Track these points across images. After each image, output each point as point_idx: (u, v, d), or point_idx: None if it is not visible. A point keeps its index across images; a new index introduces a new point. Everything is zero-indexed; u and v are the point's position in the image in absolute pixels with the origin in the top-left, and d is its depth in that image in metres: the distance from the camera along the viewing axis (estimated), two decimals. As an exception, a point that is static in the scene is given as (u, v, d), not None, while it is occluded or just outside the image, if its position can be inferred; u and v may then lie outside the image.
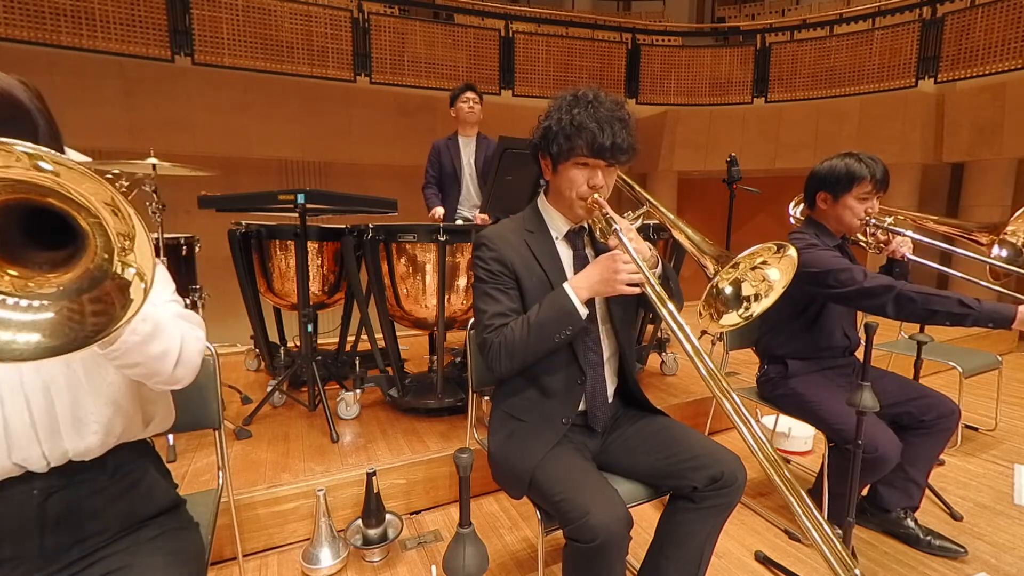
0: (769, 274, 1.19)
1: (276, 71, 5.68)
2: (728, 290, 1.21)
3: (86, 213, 0.56)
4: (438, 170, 3.20)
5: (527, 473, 1.15)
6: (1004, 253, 1.61)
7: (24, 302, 0.58)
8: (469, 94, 3.11)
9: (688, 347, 0.98)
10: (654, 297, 1.06)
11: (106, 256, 0.58)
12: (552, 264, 1.23)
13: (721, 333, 1.93)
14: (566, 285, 1.12)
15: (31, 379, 0.77)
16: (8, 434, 0.75)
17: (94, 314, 0.59)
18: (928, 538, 1.66)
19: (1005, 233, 1.61)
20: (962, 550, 1.64)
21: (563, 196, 1.22)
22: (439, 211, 3.06)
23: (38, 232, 0.60)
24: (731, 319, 1.20)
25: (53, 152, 0.53)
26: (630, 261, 1.08)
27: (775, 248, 1.17)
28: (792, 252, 1.17)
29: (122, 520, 0.86)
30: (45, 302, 0.59)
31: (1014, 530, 1.80)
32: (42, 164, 0.53)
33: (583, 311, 1.10)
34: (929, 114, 5.73)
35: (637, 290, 1.08)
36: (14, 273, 0.59)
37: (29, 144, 0.52)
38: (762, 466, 0.85)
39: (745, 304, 1.19)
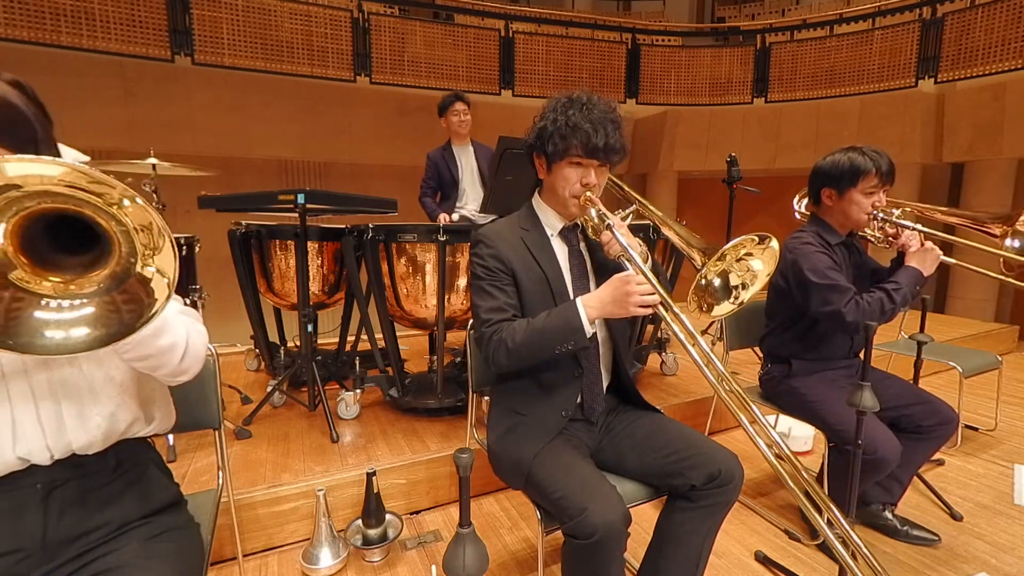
0: (753, 265, 1.23)
1: (276, 71, 5.67)
2: (717, 281, 1.26)
3: (116, 222, 0.61)
4: (436, 181, 3.15)
5: (528, 461, 1.16)
6: (1017, 244, 1.59)
7: (66, 303, 0.63)
8: (459, 106, 2.94)
9: (708, 372, 0.99)
10: (667, 316, 1.05)
11: (132, 260, 0.63)
12: (548, 261, 1.25)
13: (721, 331, 1.94)
14: (579, 301, 1.11)
15: (39, 379, 0.78)
16: (15, 429, 0.77)
17: (128, 311, 0.64)
18: (905, 528, 1.72)
19: (1019, 223, 1.59)
20: (936, 538, 1.70)
21: (557, 194, 1.24)
22: (445, 217, 3.00)
23: (60, 237, 0.64)
24: (724, 308, 1.24)
25: (110, 179, 0.58)
26: (644, 282, 1.05)
27: (757, 240, 1.20)
28: (774, 244, 1.20)
29: (124, 515, 0.86)
30: (85, 300, 0.64)
31: (1014, 530, 1.80)
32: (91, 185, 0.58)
33: (589, 330, 1.10)
34: (929, 114, 5.72)
35: (650, 311, 1.06)
36: (56, 279, 0.63)
37: (93, 170, 0.57)
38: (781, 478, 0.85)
39: (735, 293, 1.24)
